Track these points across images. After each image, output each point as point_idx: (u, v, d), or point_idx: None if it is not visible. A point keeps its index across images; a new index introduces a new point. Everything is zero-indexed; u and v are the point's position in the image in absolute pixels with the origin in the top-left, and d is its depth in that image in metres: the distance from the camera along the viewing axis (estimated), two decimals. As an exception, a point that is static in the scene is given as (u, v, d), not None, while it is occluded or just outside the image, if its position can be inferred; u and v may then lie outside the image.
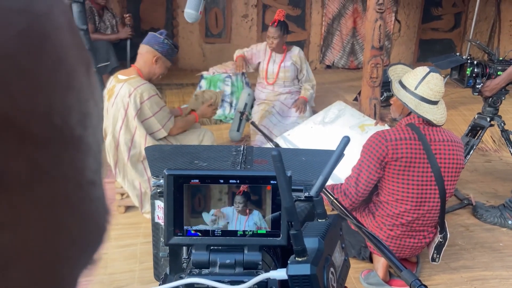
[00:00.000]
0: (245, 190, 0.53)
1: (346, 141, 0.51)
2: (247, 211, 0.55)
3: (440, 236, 2.18)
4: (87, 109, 0.22)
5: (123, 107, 2.52)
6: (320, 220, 0.52)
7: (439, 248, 2.20)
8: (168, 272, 0.69)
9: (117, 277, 2.31)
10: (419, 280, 0.89)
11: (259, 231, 0.53)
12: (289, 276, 0.44)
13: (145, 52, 2.57)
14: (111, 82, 2.61)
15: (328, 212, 2.16)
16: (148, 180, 2.69)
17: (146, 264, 2.39)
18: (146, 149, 0.95)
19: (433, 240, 2.22)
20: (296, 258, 0.44)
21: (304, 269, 0.43)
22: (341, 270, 0.50)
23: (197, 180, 0.53)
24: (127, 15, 4.50)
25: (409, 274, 0.91)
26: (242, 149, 0.90)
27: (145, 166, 2.68)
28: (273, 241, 0.53)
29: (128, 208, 2.90)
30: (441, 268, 2.43)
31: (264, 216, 0.54)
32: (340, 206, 1.47)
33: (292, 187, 0.67)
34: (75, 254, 0.22)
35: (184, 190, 0.53)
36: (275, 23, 3.59)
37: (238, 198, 0.56)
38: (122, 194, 2.86)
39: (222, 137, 3.81)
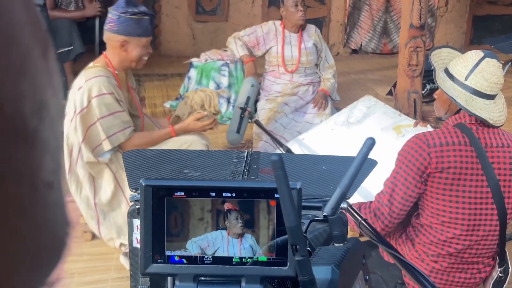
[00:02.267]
0: (235, 208, 0.55)
1: (370, 143, 0.52)
2: (241, 231, 0.56)
3: (499, 269, 2.18)
4: (43, 97, 0.23)
5: (73, 102, 2.54)
6: (337, 245, 0.53)
7: (498, 285, 2.20)
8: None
9: (81, 323, 2.33)
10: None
11: (260, 258, 0.55)
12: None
13: (108, 39, 2.60)
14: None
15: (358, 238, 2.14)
16: (94, 204, 2.69)
17: (119, 306, 2.41)
18: (124, 154, 0.97)
19: (490, 275, 2.22)
20: (303, 292, 0.45)
21: (311, 306, 0.44)
22: (363, 307, 0.51)
23: (182, 193, 0.55)
24: (95, -14, 4.56)
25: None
26: (245, 155, 0.92)
27: (97, 184, 2.69)
28: (278, 271, 0.54)
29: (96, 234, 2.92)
30: (501, 311, 2.42)
31: (258, 240, 0.56)
32: (369, 229, 1.48)
33: (308, 204, 0.69)
34: (28, 267, 0.24)
35: (166, 206, 0.55)
36: None
37: (234, 215, 0.57)
38: (88, 217, 2.88)
39: (218, 142, 3.83)
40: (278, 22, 3.80)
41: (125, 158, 0.87)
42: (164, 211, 0.55)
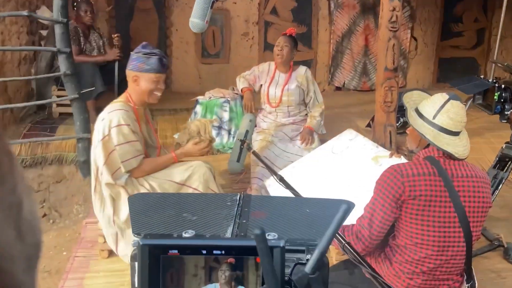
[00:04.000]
0: (229, 262, 0.52)
1: (345, 209, 0.50)
2: (232, 284, 0.53)
3: (467, 285, 2.14)
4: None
5: (97, 131, 2.57)
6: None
7: (466, 299, 2.15)
8: None
9: (98, 334, 2.26)
10: None
11: (247, 312, 0.52)
12: None
13: (127, 76, 2.64)
14: None
15: (340, 257, 2.11)
16: (113, 221, 2.64)
17: (132, 318, 2.34)
18: (129, 198, 0.94)
19: (459, 290, 2.17)
20: None
21: None
22: None
23: (176, 251, 0.52)
24: (115, 35, 4.58)
25: None
26: (238, 198, 0.89)
27: (116, 204, 2.64)
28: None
29: (112, 252, 2.87)
30: (469, 321, 2.36)
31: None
32: (352, 251, 1.44)
33: (293, 248, 0.66)
34: None
35: (162, 263, 0.52)
36: (287, 34, 3.68)
37: (224, 267, 0.54)
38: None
39: (220, 169, 3.79)
40: (273, 63, 3.81)
41: (130, 203, 0.84)
42: (159, 268, 0.52)
